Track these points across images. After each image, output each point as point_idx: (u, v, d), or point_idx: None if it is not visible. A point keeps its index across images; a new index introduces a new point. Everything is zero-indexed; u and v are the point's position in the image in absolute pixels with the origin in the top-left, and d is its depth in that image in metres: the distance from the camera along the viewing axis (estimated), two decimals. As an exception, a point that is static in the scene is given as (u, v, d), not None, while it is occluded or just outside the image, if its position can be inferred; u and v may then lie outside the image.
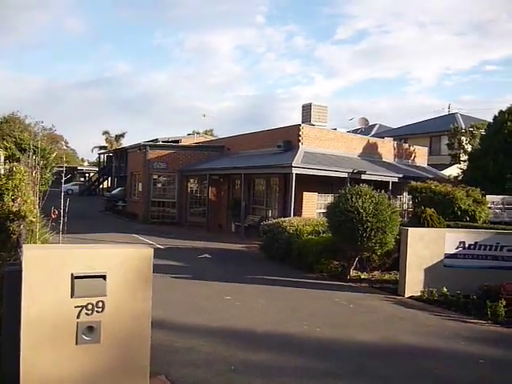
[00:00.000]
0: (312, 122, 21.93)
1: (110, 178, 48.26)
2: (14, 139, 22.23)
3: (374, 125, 40.33)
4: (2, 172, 5.98)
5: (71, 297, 3.91)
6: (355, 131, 30.39)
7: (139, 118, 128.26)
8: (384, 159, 22.10)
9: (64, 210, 7.20)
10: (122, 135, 54.05)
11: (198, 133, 47.48)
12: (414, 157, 24.29)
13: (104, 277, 4.02)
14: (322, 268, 11.18)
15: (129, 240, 16.50)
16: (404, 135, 32.54)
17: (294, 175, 15.46)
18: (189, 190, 24.67)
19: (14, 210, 5.67)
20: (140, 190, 24.92)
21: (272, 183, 20.00)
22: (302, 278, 10.74)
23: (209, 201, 22.97)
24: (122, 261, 4.13)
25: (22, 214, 5.67)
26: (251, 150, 21.53)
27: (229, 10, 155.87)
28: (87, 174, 66.54)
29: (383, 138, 24.72)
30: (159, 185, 24.85)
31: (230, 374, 4.99)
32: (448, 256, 9.30)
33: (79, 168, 71.89)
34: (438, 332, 6.93)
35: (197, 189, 24.90)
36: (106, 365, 4.10)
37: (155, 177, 24.63)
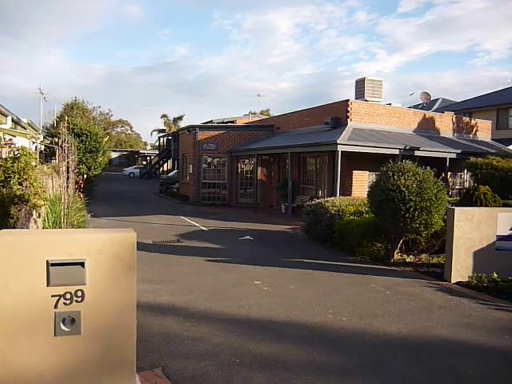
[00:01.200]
0: (366, 98, 20.97)
1: (168, 161, 48.95)
2: (67, 124, 22.71)
3: (437, 99, 38.29)
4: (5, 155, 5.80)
5: (47, 285, 3.62)
6: (416, 106, 28.89)
7: (199, 100, 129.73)
8: (442, 134, 20.76)
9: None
10: (180, 118, 54.42)
11: (254, 113, 47.11)
12: (476, 131, 22.68)
13: (82, 264, 3.70)
14: (364, 251, 10.53)
15: (174, 222, 16.44)
16: (468, 109, 30.57)
17: (339, 153, 14.72)
18: (239, 170, 24.37)
19: (18, 193, 5.51)
20: (191, 171, 24.89)
21: (321, 162, 19.30)
22: (341, 261, 10.16)
23: (258, 181, 22.59)
24: (101, 246, 3.78)
25: (26, 197, 5.51)
26: (301, 128, 20.88)
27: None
28: (148, 158, 67.98)
29: (443, 112, 23.25)
30: (209, 166, 24.71)
31: (233, 367, 4.59)
32: (500, 238, 8.42)
33: (141, 151, 73.65)
34: (481, 324, 6.17)
35: (247, 169, 24.56)
36: (88, 358, 3.79)
37: (205, 158, 24.49)
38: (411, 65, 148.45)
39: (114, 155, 72.95)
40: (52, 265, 3.61)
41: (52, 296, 3.64)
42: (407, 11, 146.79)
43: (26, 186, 5.67)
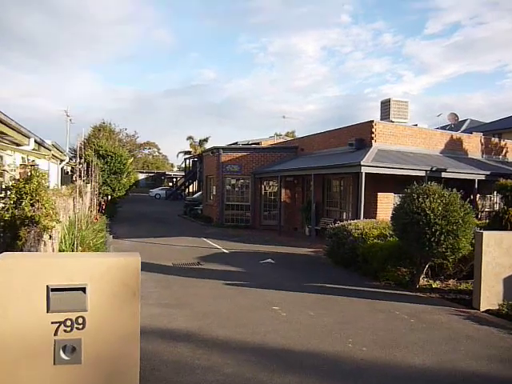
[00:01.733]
0: (391, 119, 20.69)
1: (194, 183, 49.18)
2: (93, 146, 23.05)
3: (465, 120, 37.54)
4: (18, 176, 5.75)
5: (47, 311, 3.48)
6: (444, 127, 28.39)
7: (225, 122, 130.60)
8: (470, 156, 20.24)
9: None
10: (206, 140, 54.86)
11: (279, 135, 47.13)
12: (506, 152, 22.05)
13: (84, 289, 3.55)
14: (389, 275, 10.15)
15: (196, 244, 16.31)
16: (497, 130, 29.82)
17: (363, 174, 14.43)
18: (263, 192, 24.20)
19: (29, 214, 5.43)
20: (214, 193, 24.84)
21: (346, 184, 19.01)
22: (364, 286, 9.81)
23: (282, 203, 22.38)
24: (104, 272, 3.62)
25: (37, 218, 5.43)
26: (324, 150, 20.66)
27: (312, 12, 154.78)
28: (175, 179, 68.51)
29: (471, 133, 22.74)
30: (233, 188, 24.62)
31: (243, 400, 4.34)
32: (532, 264, 7.99)
33: (168, 173, 74.34)
34: (512, 356, 5.80)
35: (271, 191, 24.36)
36: (88, 389, 3.62)
37: (229, 180, 24.42)
38: (439, 86, 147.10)
39: (141, 177, 73.83)
40: (52, 290, 3.48)
41: (52, 323, 3.49)
42: (434, 32, 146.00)
43: (38, 208, 5.59)
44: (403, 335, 6.52)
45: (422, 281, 9.79)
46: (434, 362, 5.45)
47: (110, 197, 23.39)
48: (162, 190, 58.84)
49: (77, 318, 3.57)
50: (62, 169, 20.03)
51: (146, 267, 11.18)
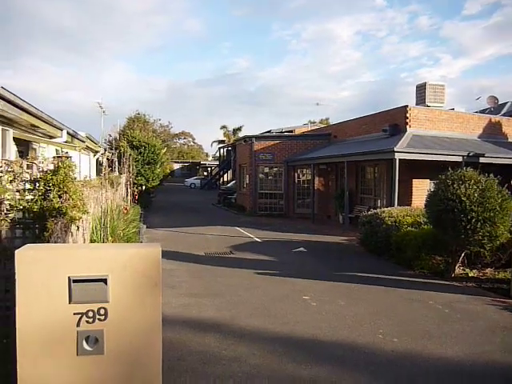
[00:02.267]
0: (427, 103, 20.12)
1: (228, 172, 49.36)
2: (126, 137, 23.34)
3: (505, 103, 36.23)
4: (52, 167, 5.81)
5: (69, 302, 3.49)
6: (483, 111, 27.45)
7: (259, 110, 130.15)
8: (511, 140, 19.52)
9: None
10: (239, 129, 55.01)
11: (313, 122, 46.71)
12: (551, 135, 21.17)
13: (105, 280, 3.53)
14: (423, 264, 9.91)
15: (228, 233, 16.33)
16: (542, 111, 28.70)
17: (397, 161, 14.10)
18: (296, 180, 24.02)
19: (57, 206, 5.50)
20: (247, 182, 24.82)
21: (380, 171, 18.65)
22: (397, 275, 9.61)
23: (315, 191, 22.18)
24: (124, 263, 3.59)
25: (64, 210, 5.48)
26: (357, 136, 20.31)
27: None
28: (209, 168, 68.94)
29: (511, 116, 21.92)
30: (266, 176, 24.53)
31: (266, 392, 4.30)
32: None
33: (202, 162, 74.85)
34: (552, 348, 5.55)
35: (304, 179, 24.16)
36: (111, 379, 3.60)
37: (261, 168, 24.33)
38: (478, 69, 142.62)
39: (176, 166, 74.60)
40: (74, 281, 3.47)
41: (74, 314, 3.48)
42: (473, 13, 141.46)
43: (65, 199, 5.64)
44: (436, 326, 6.34)
45: (458, 270, 9.51)
46: (468, 354, 5.28)
47: (144, 187, 23.65)
48: (196, 179, 59.33)
49: (99, 309, 3.56)
50: (96, 160, 20.36)
51: (177, 257, 11.32)
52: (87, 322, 3.57)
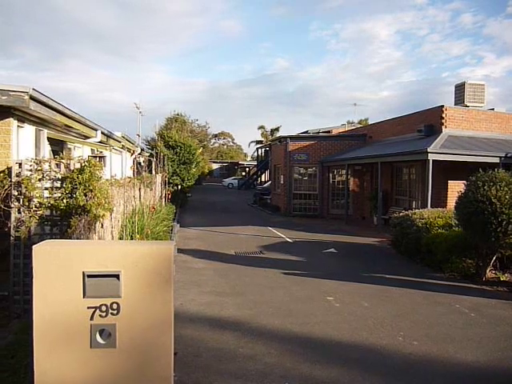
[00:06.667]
0: (466, 103, 19.64)
1: (266, 172, 49.40)
2: (163, 137, 23.74)
3: (552, 102, 35.02)
4: (78, 166, 6.03)
5: (83, 297, 3.64)
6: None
7: (298, 111, 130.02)
8: (556, 140, 18.82)
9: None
10: (277, 129, 55.06)
11: (351, 123, 46.24)
12: None
13: (118, 276, 3.66)
14: (453, 267, 9.71)
15: (261, 233, 16.40)
16: None
17: (431, 162, 13.83)
18: (331, 181, 23.88)
19: (82, 204, 5.70)
20: (282, 182, 24.82)
21: (415, 172, 18.34)
22: (426, 277, 9.45)
23: (349, 192, 21.99)
24: (137, 259, 3.72)
25: (88, 208, 5.68)
26: (393, 137, 20.02)
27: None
28: (247, 169, 69.20)
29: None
30: (300, 177, 24.46)
31: (278, 391, 4.34)
32: None
33: (241, 162, 75.18)
34: None
35: (339, 180, 23.99)
36: (123, 372, 3.74)
37: (296, 169, 24.28)
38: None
39: (215, 166, 75.24)
40: (88, 276, 3.61)
41: (88, 308, 3.62)
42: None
43: (91, 197, 5.85)
44: (460, 330, 6.23)
45: (490, 273, 9.29)
46: (489, 360, 5.17)
47: (179, 186, 23.99)
48: (234, 179, 59.70)
49: (111, 304, 3.68)
50: (134, 159, 20.80)
51: (207, 256, 11.48)
52: (100, 315, 3.70)
